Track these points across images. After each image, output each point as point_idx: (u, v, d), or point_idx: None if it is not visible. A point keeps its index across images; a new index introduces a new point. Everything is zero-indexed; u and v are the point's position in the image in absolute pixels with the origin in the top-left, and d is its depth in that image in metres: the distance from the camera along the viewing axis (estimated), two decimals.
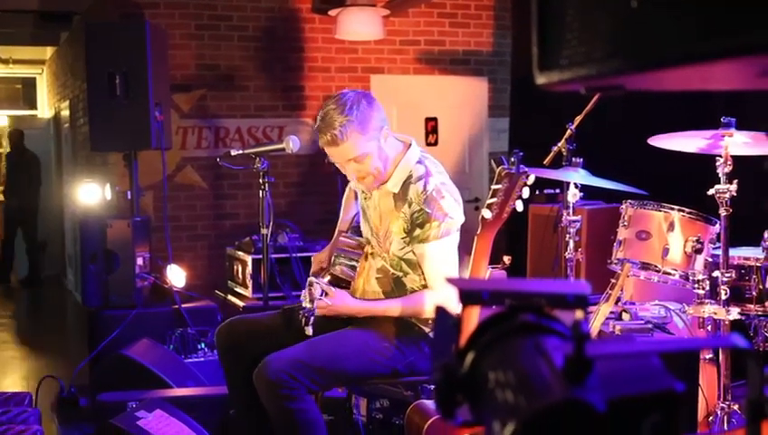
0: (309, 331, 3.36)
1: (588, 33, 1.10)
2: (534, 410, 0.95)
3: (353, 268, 3.69)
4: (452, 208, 3.50)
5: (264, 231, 4.35)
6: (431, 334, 3.56)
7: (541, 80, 1.21)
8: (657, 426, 0.96)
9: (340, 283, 3.63)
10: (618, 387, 0.98)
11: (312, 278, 3.48)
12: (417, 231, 3.49)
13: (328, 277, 3.65)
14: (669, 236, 4.12)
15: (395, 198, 3.59)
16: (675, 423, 0.97)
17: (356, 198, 3.93)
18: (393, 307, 3.55)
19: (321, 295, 3.41)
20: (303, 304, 3.41)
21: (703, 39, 0.93)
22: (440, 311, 1.19)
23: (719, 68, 1.01)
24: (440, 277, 3.48)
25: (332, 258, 3.79)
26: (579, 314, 1.08)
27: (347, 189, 4.04)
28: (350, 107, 3.47)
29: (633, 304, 4.28)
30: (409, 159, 3.59)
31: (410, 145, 3.65)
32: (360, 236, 3.82)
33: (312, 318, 3.37)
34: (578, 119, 4.72)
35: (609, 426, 0.95)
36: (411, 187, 3.53)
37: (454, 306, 3.45)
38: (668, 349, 1.07)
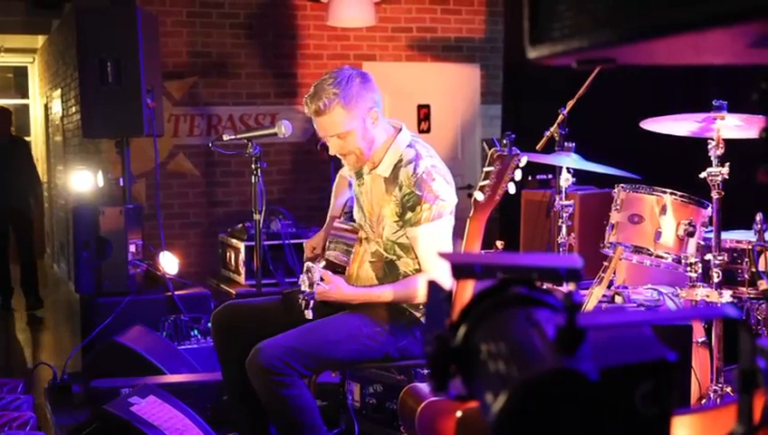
0: (309, 314, 3.36)
1: (579, 4, 1.10)
2: (526, 380, 0.95)
3: (348, 253, 3.68)
4: (443, 191, 3.49)
5: (256, 217, 4.34)
6: (423, 319, 3.56)
7: (532, 54, 1.21)
8: (649, 395, 0.97)
9: (336, 268, 3.63)
10: (610, 357, 0.98)
11: (309, 263, 3.47)
12: (409, 214, 3.49)
13: (323, 263, 3.66)
14: (662, 220, 4.12)
15: (386, 181, 3.59)
16: (667, 392, 0.97)
17: (349, 185, 3.93)
18: (387, 292, 3.54)
19: (320, 281, 3.40)
20: (303, 289, 3.40)
21: (691, 6, 0.93)
22: (432, 285, 1.19)
23: (710, 38, 1.00)
24: (433, 260, 3.47)
25: (326, 244, 3.79)
26: (571, 286, 1.08)
27: (337, 176, 4.04)
28: (341, 81, 3.49)
29: (626, 287, 4.29)
30: (400, 143, 3.60)
31: (401, 129, 3.65)
32: (354, 222, 3.82)
33: (312, 302, 3.36)
34: (570, 104, 4.71)
35: (601, 395, 0.95)
36: (402, 170, 3.53)
37: (446, 287, 3.41)
38: (660, 320, 1.07)
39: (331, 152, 3.66)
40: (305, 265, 3.47)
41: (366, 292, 3.58)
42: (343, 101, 3.48)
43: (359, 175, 3.75)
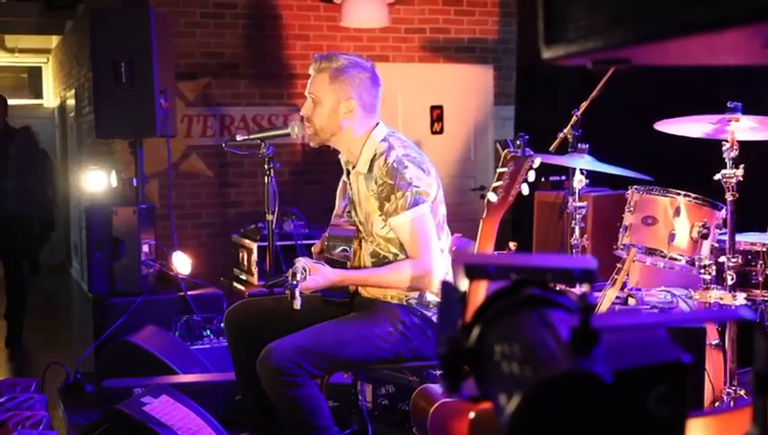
0: (296, 304, 3.33)
1: (595, 4, 1.10)
2: (540, 381, 0.94)
3: (348, 250, 3.71)
4: (417, 177, 3.48)
5: (269, 217, 4.34)
6: (434, 318, 3.56)
7: (547, 54, 1.20)
8: (663, 397, 0.96)
9: (338, 266, 3.64)
10: (624, 358, 0.98)
11: (298, 258, 3.47)
12: (386, 205, 3.50)
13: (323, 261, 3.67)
14: (675, 222, 4.11)
15: (365, 178, 3.62)
16: (681, 394, 0.97)
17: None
18: (374, 275, 3.56)
19: (304, 271, 3.39)
20: (288, 278, 3.40)
21: (706, 7, 0.93)
22: (446, 285, 1.18)
23: (725, 39, 1.00)
24: (418, 247, 3.48)
25: (327, 242, 3.81)
26: (585, 287, 1.08)
27: (340, 182, 4.07)
28: (350, 62, 3.65)
29: (639, 289, 4.27)
30: (374, 138, 3.63)
31: (377, 125, 3.67)
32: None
33: (298, 291, 3.34)
34: (583, 105, 4.71)
35: (615, 397, 0.95)
36: (375, 163, 3.57)
37: (436, 274, 3.42)
38: (674, 322, 1.07)
39: (302, 111, 3.75)
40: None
41: (352, 274, 3.60)
42: (332, 73, 3.62)
43: (348, 176, 3.78)
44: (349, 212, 3.91)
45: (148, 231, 5.94)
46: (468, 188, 8.87)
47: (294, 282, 3.34)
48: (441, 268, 3.52)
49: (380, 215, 3.56)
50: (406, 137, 3.72)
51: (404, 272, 3.48)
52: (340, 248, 3.74)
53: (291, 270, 3.40)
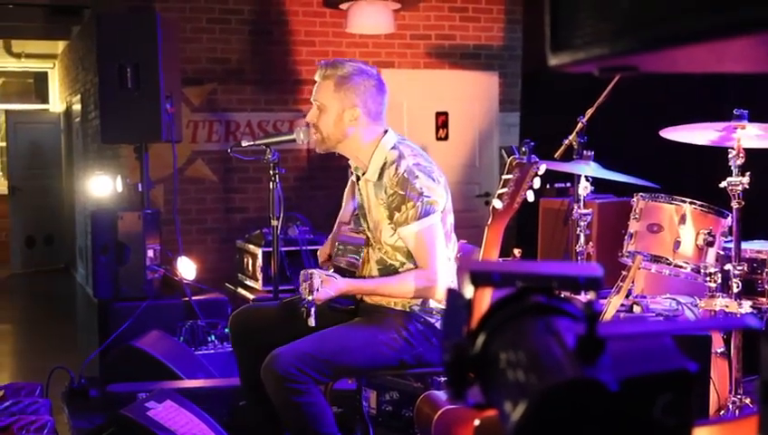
0: (312, 322, 3.34)
1: (601, 11, 1.09)
2: (546, 389, 0.94)
3: (357, 259, 3.70)
4: (427, 187, 3.48)
5: (274, 223, 4.34)
6: (438, 325, 3.55)
7: (553, 61, 1.20)
8: (669, 405, 0.96)
9: (345, 274, 3.63)
10: (630, 367, 0.97)
11: (311, 270, 3.45)
12: (396, 215, 3.50)
13: (332, 269, 3.66)
14: (681, 229, 4.10)
15: (375, 186, 3.61)
16: (687, 403, 0.96)
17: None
18: (383, 285, 3.56)
19: (320, 287, 3.38)
20: (303, 296, 3.38)
21: (714, 14, 0.92)
22: (451, 292, 1.18)
23: (732, 46, 1.00)
24: (426, 257, 3.47)
25: (335, 250, 3.80)
26: (590, 295, 1.07)
27: (349, 182, 4.06)
28: (356, 69, 3.64)
29: (644, 297, 4.27)
30: (384, 145, 3.62)
31: (386, 132, 3.66)
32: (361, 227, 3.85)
33: (314, 309, 3.34)
34: (589, 112, 4.70)
35: (621, 405, 0.95)
36: (385, 172, 3.56)
37: (443, 284, 3.43)
38: (680, 330, 1.06)
39: (307, 118, 3.75)
40: (302, 272, 3.44)
41: (361, 284, 3.60)
42: (338, 80, 3.61)
43: (358, 181, 3.77)
44: (356, 217, 3.90)
45: (153, 236, 5.94)
46: (473, 195, 8.87)
47: (310, 299, 3.33)
48: (448, 277, 3.51)
49: (390, 224, 3.55)
50: (415, 144, 3.71)
51: (412, 281, 3.48)
52: (350, 256, 3.73)
53: (306, 286, 3.38)
